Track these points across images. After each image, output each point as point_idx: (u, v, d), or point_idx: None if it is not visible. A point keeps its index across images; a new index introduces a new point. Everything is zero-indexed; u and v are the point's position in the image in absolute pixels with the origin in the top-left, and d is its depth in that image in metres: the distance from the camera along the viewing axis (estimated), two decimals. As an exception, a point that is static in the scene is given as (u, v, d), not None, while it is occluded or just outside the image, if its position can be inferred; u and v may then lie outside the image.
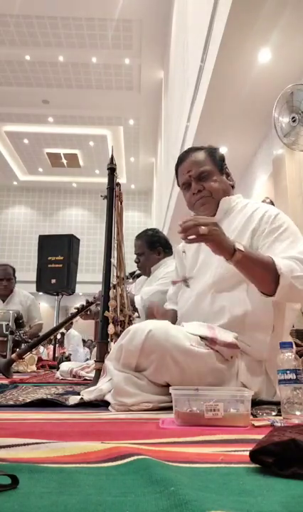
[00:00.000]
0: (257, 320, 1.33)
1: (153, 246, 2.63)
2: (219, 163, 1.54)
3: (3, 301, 3.98)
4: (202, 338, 1.25)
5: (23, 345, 3.57)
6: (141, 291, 2.50)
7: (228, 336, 1.27)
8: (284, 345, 1.09)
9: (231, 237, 1.32)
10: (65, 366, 2.68)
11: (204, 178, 1.50)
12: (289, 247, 1.30)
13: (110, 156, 2.04)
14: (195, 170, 1.50)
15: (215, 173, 1.51)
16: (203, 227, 1.15)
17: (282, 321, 1.38)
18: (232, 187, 1.59)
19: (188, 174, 1.52)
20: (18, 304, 4.02)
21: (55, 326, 3.01)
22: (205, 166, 1.50)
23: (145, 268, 2.69)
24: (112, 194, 1.97)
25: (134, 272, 2.89)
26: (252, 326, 1.33)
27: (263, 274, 1.22)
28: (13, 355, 2.69)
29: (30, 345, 2.76)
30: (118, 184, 2.01)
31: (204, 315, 1.39)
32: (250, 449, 0.59)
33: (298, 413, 0.99)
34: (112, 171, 2.00)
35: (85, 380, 2.38)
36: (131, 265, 2.66)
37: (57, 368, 2.95)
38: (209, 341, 1.24)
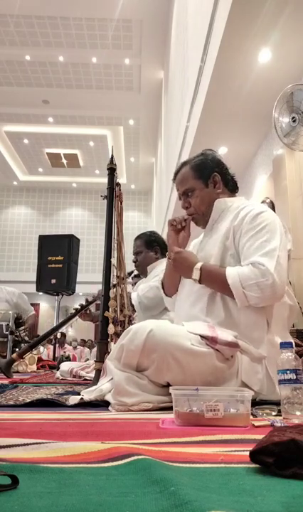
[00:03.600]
0: (251, 317, 1.35)
1: (151, 245, 2.69)
2: (205, 174, 1.60)
3: None
4: (202, 337, 1.26)
5: (23, 345, 3.58)
6: (138, 288, 2.52)
7: (228, 335, 1.28)
8: (284, 345, 1.09)
9: (220, 235, 1.46)
10: (65, 366, 2.68)
11: (189, 195, 1.62)
12: (260, 246, 1.36)
13: (110, 156, 2.04)
14: (181, 188, 1.64)
15: (198, 188, 1.60)
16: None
17: (276, 317, 1.39)
18: (233, 189, 1.65)
19: (178, 192, 1.68)
20: (3, 301, 4.02)
21: (54, 325, 3.02)
22: (189, 184, 1.61)
23: (142, 267, 2.71)
24: (112, 194, 1.97)
25: (132, 272, 2.91)
26: (247, 324, 1.35)
27: (222, 288, 1.37)
28: (14, 355, 2.70)
29: (30, 345, 2.77)
30: (118, 184, 2.01)
31: (200, 314, 1.42)
32: (250, 449, 0.59)
33: (298, 413, 0.99)
34: (112, 171, 2.01)
35: (85, 380, 2.39)
36: (131, 265, 2.67)
37: (58, 368, 2.95)
38: (210, 340, 1.25)
